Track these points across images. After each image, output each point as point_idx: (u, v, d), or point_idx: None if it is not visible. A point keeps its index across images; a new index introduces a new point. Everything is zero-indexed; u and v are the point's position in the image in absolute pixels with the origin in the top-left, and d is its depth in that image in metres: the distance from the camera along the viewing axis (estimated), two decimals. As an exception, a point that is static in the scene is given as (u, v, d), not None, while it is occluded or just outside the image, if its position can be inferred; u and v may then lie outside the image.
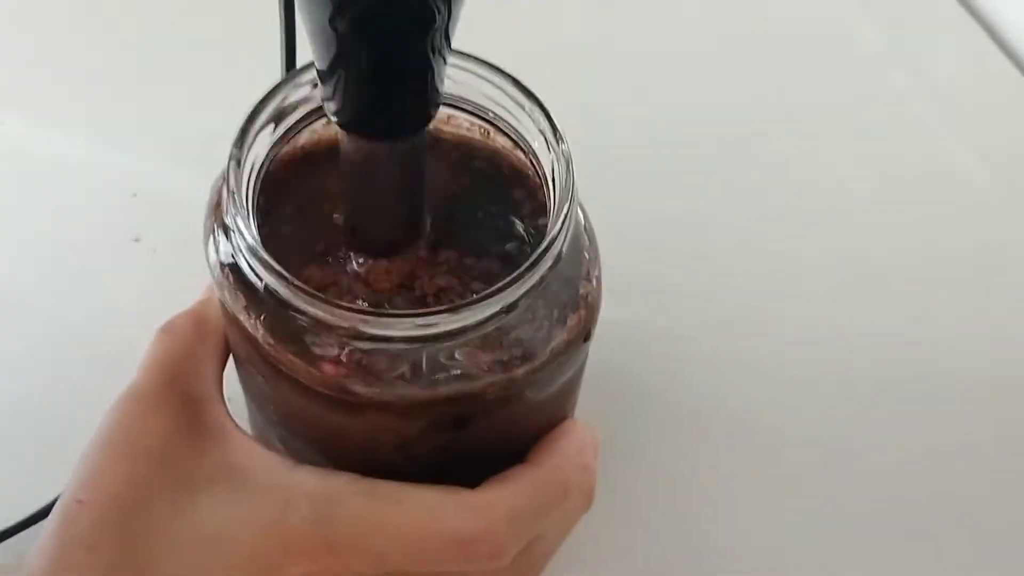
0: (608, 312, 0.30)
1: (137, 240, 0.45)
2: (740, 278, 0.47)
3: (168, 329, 0.29)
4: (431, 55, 0.24)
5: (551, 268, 0.26)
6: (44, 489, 0.37)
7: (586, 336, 0.29)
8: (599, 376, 0.34)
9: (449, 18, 0.23)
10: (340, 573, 0.27)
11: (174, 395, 0.28)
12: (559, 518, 0.30)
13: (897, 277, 0.47)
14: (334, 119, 0.26)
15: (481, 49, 0.29)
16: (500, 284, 0.25)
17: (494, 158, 0.31)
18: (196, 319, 0.30)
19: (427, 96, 0.25)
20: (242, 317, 0.27)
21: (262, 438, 0.32)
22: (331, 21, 0.23)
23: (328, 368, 0.27)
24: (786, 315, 0.45)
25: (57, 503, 0.27)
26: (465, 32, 0.25)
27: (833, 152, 0.52)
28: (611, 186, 0.48)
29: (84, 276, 0.45)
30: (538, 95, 0.28)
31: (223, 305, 0.28)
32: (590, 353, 0.31)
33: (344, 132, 0.26)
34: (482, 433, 0.29)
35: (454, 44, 0.25)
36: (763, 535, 0.40)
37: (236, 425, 0.29)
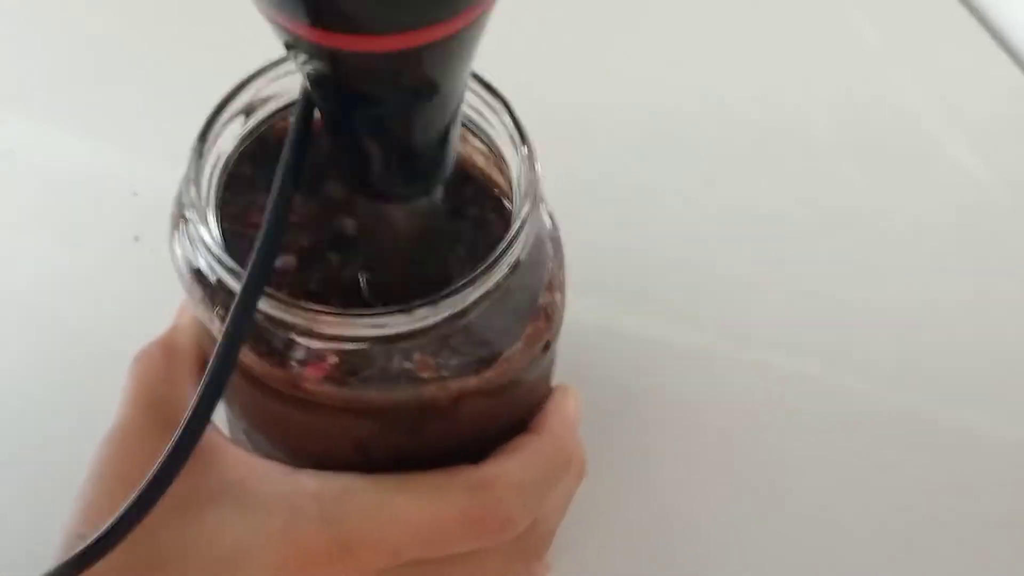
0: (585, 312, 0.29)
1: (137, 239, 0.45)
2: (736, 279, 0.46)
3: (139, 358, 0.29)
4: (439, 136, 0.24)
5: (508, 274, 0.26)
6: (44, 490, 0.37)
7: (545, 347, 0.28)
8: (577, 379, 0.34)
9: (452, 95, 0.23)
10: (360, 573, 0.26)
11: (158, 423, 0.28)
12: (560, 492, 0.30)
13: (897, 277, 0.47)
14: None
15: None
16: (453, 287, 0.25)
17: (468, 160, 0.31)
18: (165, 345, 0.30)
19: (436, 167, 0.26)
20: (200, 309, 0.27)
21: (235, 438, 0.32)
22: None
23: (279, 365, 0.26)
24: (783, 314, 0.45)
25: (61, 536, 0.27)
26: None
27: (832, 151, 0.52)
28: (602, 186, 0.48)
29: (84, 275, 0.45)
30: (506, 96, 0.28)
31: (188, 294, 0.28)
32: (567, 353, 0.31)
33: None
34: (440, 435, 0.28)
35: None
36: (748, 537, 0.39)
37: (227, 439, 0.29)
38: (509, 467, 0.28)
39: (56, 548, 0.26)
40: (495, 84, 0.28)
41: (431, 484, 0.27)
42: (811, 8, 0.58)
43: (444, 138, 0.25)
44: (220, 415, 0.32)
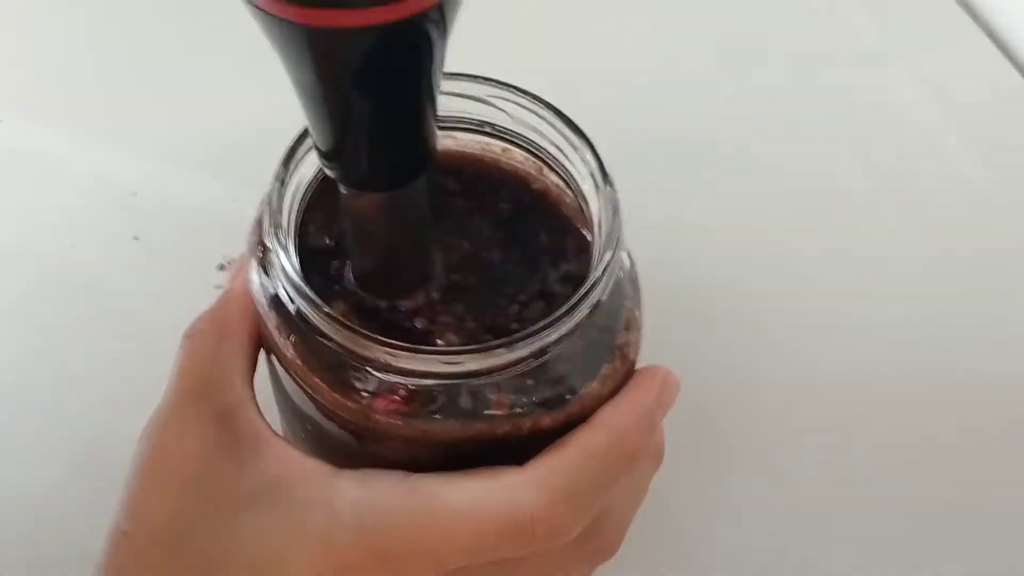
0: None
1: (136, 239, 0.45)
2: (734, 278, 0.46)
3: (189, 335, 0.29)
4: (417, 107, 0.23)
5: (588, 316, 0.25)
6: (43, 483, 0.38)
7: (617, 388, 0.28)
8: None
9: (432, 64, 0.22)
10: None
11: (203, 408, 0.28)
12: (627, 486, 0.28)
13: (897, 276, 0.47)
14: (330, 174, 0.25)
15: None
16: (532, 328, 0.25)
17: (546, 196, 0.30)
18: (217, 321, 0.29)
19: (421, 146, 0.24)
20: (276, 335, 0.27)
21: (290, 431, 0.32)
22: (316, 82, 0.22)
23: (350, 396, 0.26)
24: (781, 314, 0.45)
25: (107, 532, 0.27)
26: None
27: (832, 151, 0.52)
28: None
29: (83, 274, 0.45)
30: (588, 135, 0.27)
31: (264, 320, 0.28)
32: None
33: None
34: (503, 459, 0.28)
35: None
36: (759, 535, 0.39)
37: (271, 429, 0.28)
38: (556, 468, 0.26)
39: (102, 544, 0.26)
40: (577, 121, 0.28)
41: (471, 490, 0.25)
42: (811, 7, 0.58)
43: (416, 121, 0.24)
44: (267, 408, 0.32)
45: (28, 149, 0.49)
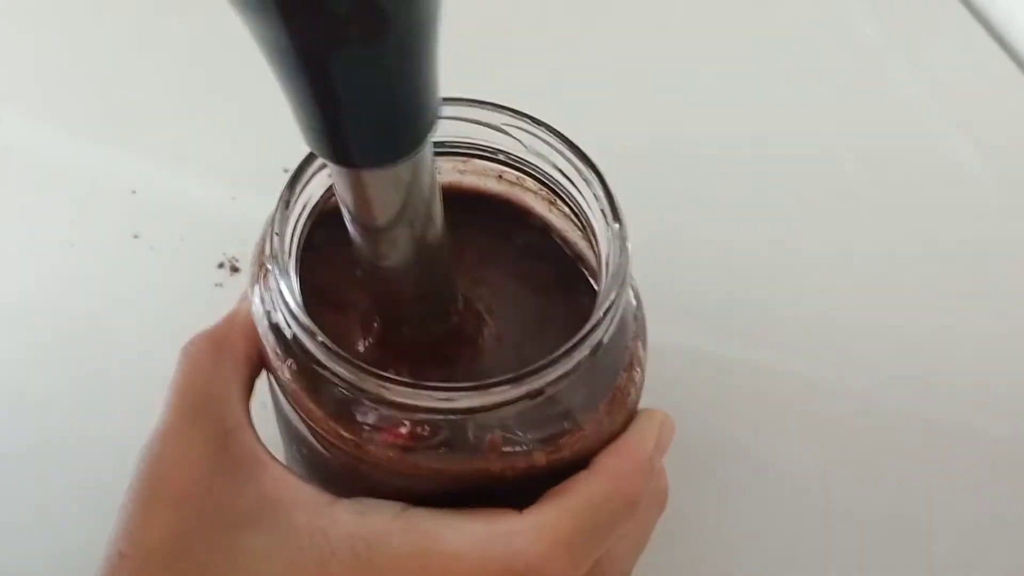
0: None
1: (136, 237, 0.45)
2: (737, 277, 0.46)
3: (187, 352, 0.28)
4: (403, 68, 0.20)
5: (589, 355, 0.25)
6: (39, 490, 0.38)
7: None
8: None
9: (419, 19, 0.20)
10: None
11: (200, 428, 0.27)
12: (629, 531, 0.27)
13: (898, 275, 0.47)
14: (315, 151, 0.23)
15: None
16: (531, 367, 0.24)
17: (556, 232, 0.30)
18: (215, 339, 0.28)
19: (416, 114, 0.22)
20: (272, 357, 0.27)
21: (287, 453, 0.32)
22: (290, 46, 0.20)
23: (348, 428, 0.26)
24: (783, 311, 0.45)
25: (104, 553, 0.26)
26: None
27: (833, 149, 0.52)
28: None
29: (83, 272, 0.44)
30: (599, 167, 0.27)
31: (262, 340, 0.28)
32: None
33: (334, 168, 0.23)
34: (501, 497, 0.27)
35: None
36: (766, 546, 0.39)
37: (268, 452, 0.28)
38: (556, 515, 0.25)
39: (99, 564, 0.26)
40: (587, 152, 0.27)
41: (471, 533, 0.25)
42: (812, 6, 0.58)
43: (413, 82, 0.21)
44: (264, 427, 0.31)
45: (28, 147, 0.49)
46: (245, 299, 0.29)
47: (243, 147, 0.48)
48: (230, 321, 0.29)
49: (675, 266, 0.45)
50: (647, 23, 0.57)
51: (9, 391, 0.41)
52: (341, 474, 0.28)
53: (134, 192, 0.47)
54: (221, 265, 0.44)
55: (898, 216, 0.49)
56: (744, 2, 0.58)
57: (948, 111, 0.53)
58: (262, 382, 0.30)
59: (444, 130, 0.24)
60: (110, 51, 0.53)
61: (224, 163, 0.48)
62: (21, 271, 0.45)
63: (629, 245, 0.26)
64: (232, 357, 0.28)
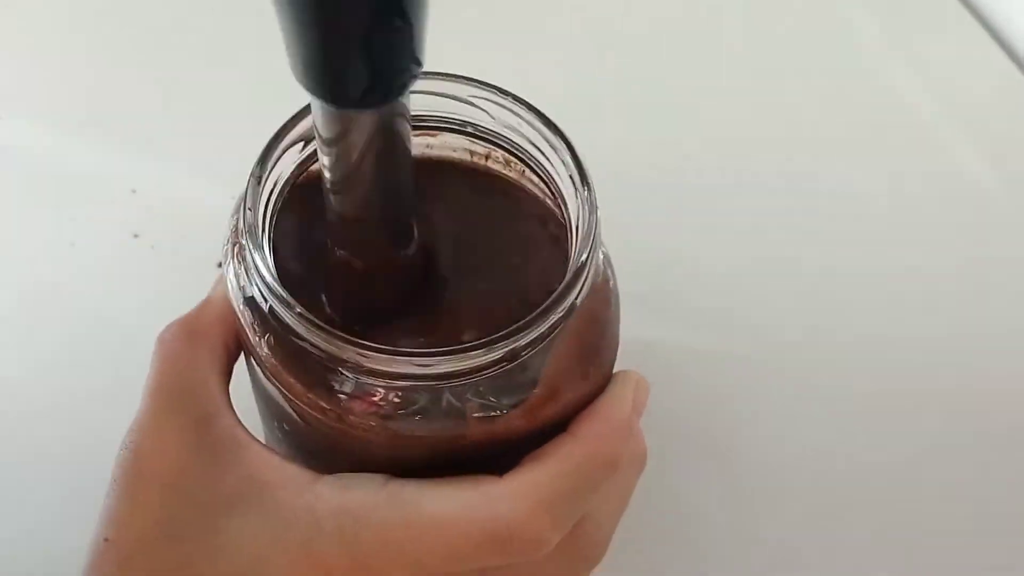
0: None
1: (136, 236, 0.45)
2: (736, 282, 0.46)
3: (162, 340, 0.28)
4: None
5: (562, 318, 0.25)
6: (44, 486, 0.38)
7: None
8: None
9: None
10: None
11: (180, 415, 0.28)
12: (610, 492, 0.28)
13: (896, 275, 0.47)
14: (301, 83, 0.22)
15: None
16: (506, 331, 0.24)
17: (526, 199, 0.30)
18: (189, 325, 0.29)
19: (402, 57, 0.21)
20: (249, 333, 0.27)
21: (268, 433, 0.32)
22: None
23: (326, 397, 0.26)
24: (783, 318, 0.45)
25: (90, 540, 0.27)
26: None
27: (833, 151, 0.52)
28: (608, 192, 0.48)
29: (83, 272, 0.44)
30: (568, 135, 0.27)
31: (239, 317, 0.28)
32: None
33: (316, 104, 0.23)
34: (481, 461, 0.28)
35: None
36: (753, 540, 0.39)
37: (249, 434, 0.28)
38: (536, 479, 0.26)
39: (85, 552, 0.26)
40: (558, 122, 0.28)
41: (452, 499, 0.26)
42: (812, 6, 0.58)
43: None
44: (245, 412, 0.31)
45: (28, 147, 0.49)
46: (219, 285, 0.29)
47: (243, 147, 0.48)
48: (204, 307, 0.29)
49: (672, 265, 0.46)
50: (647, 23, 0.57)
51: (9, 391, 0.41)
52: (324, 448, 0.28)
53: (134, 192, 0.47)
54: (221, 265, 0.44)
55: (898, 216, 0.49)
56: (744, 2, 0.58)
57: (948, 111, 0.53)
58: (240, 367, 0.30)
59: (412, 103, 0.24)
60: (110, 51, 0.53)
61: (224, 163, 0.47)
62: (21, 271, 0.45)
63: (599, 210, 0.26)
64: (208, 342, 0.28)
